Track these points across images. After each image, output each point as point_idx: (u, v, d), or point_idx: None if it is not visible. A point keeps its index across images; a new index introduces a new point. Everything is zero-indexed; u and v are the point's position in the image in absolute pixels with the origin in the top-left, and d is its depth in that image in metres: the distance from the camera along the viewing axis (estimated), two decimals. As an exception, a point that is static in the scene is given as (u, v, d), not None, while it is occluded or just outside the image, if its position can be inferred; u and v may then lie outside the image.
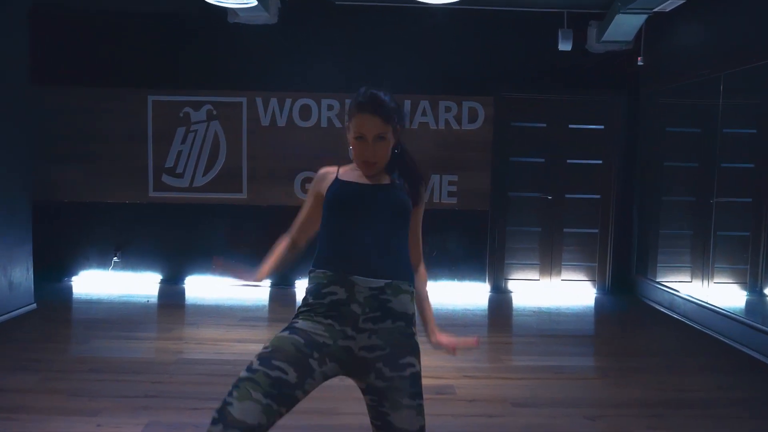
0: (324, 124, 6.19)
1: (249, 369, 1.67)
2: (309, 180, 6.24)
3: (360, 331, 1.76)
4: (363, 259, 1.80)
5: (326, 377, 1.75)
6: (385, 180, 1.95)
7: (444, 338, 1.93)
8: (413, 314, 1.87)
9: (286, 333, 1.76)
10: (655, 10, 5.20)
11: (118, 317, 5.12)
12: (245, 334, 4.72)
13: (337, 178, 1.97)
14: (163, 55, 6.14)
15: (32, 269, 5.15)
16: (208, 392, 3.45)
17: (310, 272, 1.87)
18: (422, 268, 2.08)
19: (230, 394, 1.62)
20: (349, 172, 1.97)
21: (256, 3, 4.36)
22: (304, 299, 1.84)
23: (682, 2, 4.91)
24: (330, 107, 6.16)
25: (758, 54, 4.56)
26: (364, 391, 1.79)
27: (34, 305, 5.14)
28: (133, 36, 6.10)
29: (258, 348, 1.76)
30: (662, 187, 6.33)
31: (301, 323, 1.78)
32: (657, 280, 6.05)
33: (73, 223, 6.20)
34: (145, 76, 6.11)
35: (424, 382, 1.82)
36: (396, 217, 1.91)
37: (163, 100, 6.12)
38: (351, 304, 1.77)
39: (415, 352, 1.82)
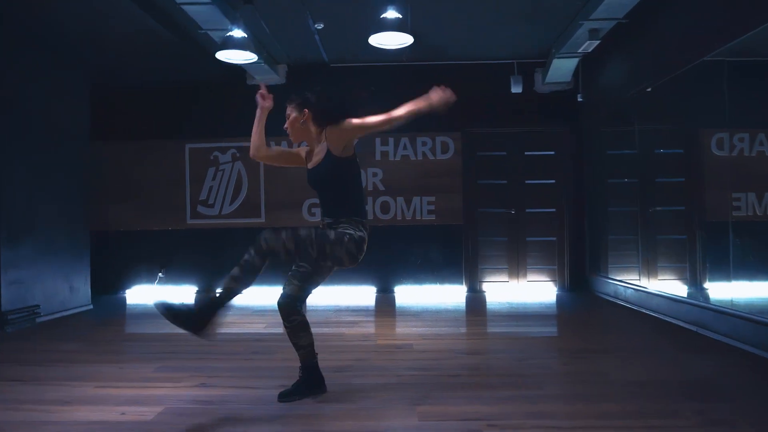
0: (325, 160, 6.55)
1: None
2: (315, 206, 6.57)
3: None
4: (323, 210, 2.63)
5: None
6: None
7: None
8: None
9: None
10: (579, 51, 5.50)
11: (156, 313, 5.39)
12: (257, 320, 4.91)
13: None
14: (197, 112, 6.66)
15: (89, 279, 5.52)
16: (210, 351, 3.69)
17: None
18: (392, 114, 2.55)
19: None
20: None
21: (257, 58, 4.81)
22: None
23: (596, 44, 5.18)
24: (329, 146, 6.54)
25: (661, 75, 4.82)
26: None
27: (91, 306, 5.48)
28: (173, 98, 6.64)
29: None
30: (608, 201, 6.46)
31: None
32: (606, 275, 6.10)
33: (127, 247, 6.60)
34: (183, 128, 6.63)
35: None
36: (328, 180, 2.57)
37: (197, 147, 6.62)
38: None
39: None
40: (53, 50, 5.02)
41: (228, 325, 4.69)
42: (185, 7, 4.38)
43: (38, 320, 4.66)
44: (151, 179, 6.59)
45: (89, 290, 5.49)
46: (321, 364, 3.13)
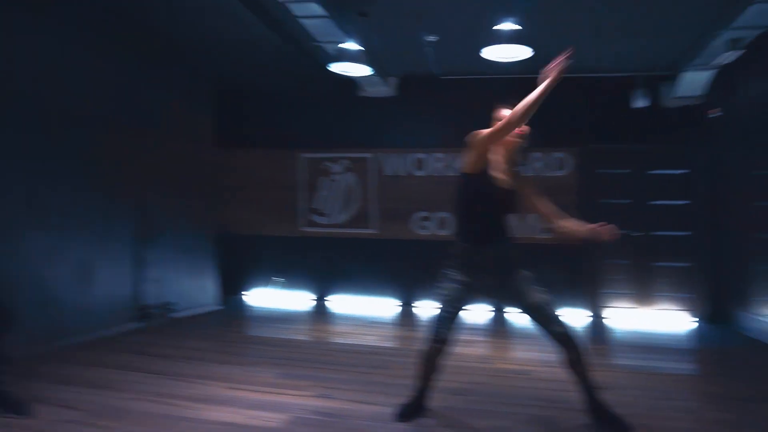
0: (435, 173, 6.52)
1: (445, 310, 2.60)
2: (425, 218, 6.53)
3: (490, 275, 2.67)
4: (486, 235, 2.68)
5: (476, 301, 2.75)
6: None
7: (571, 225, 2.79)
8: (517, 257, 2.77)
9: (451, 284, 2.63)
10: (716, 62, 4.94)
11: (301, 318, 5.60)
12: (371, 331, 4.91)
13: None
14: (311, 121, 6.85)
15: (217, 279, 5.87)
16: (328, 360, 3.73)
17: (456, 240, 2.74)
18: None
19: (441, 326, 2.59)
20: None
21: (371, 71, 4.86)
22: (454, 257, 2.68)
23: (738, 55, 4.62)
24: (438, 159, 6.49)
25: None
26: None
27: (216, 306, 5.83)
28: (288, 107, 6.83)
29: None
30: (753, 226, 5.69)
31: (457, 275, 2.64)
32: (758, 312, 5.33)
33: (246, 250, 6.95)
34: (298, 139, 6.88)
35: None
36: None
37: (311, 156, 6.85)
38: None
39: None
40: (183, 61, 5.45)
41: (343, 335, 4.80)
42: (303, 21, 4.49)
43: (169, 315, 5.03)
44: (267, 187, 6.90)
45: (216, 290, 5.84)
46: (437, 384, 3.04)
